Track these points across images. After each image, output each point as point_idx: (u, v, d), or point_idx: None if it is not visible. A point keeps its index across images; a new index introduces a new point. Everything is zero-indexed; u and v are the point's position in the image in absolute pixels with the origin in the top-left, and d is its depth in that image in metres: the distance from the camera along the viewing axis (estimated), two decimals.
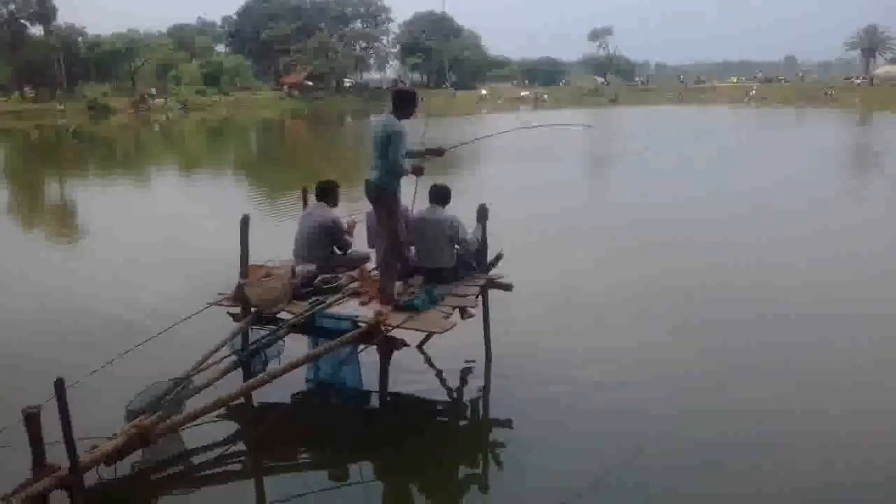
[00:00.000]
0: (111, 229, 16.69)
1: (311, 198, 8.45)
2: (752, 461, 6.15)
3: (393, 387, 7.32)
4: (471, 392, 7.83)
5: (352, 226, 8.11)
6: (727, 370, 7.94)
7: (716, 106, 75.70)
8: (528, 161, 28.46)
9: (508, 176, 24.39)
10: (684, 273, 11.74)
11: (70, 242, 16.23)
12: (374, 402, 7.13)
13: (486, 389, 7.89)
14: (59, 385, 4.85)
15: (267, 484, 6.22)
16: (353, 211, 8.40)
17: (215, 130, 59.01)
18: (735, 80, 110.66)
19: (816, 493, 5.76)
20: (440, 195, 7.67)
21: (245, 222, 7.08)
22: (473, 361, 8.10)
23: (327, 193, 8.09)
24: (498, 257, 7.94)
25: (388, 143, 6.75)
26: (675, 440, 6.50)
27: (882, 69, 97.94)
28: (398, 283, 7.41)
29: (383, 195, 6.98)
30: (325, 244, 7.84)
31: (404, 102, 6.97)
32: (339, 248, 7.95)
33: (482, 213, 7.78)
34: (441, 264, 7.56)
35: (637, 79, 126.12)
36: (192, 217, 17.56)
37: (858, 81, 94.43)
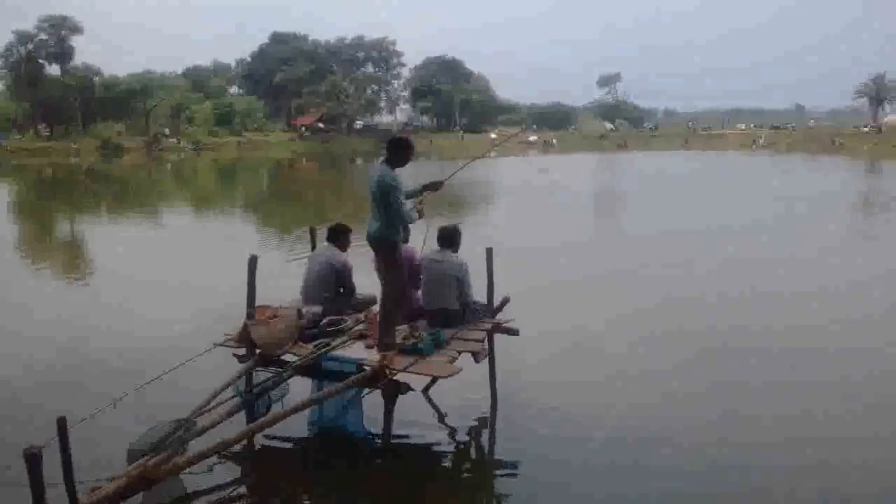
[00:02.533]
0: (119, 267, 16.70)
1: (321, 238, 8.50)
2: None
3: (397, 431, 7.28)
4: (476, 438, 7.76)
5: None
6: (742, 425, 7.79)
7: (724, 152, 75.97)
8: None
9: (520, 216, 24.48)
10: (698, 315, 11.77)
11: (78, 280, 16.31)
12: (378, 446, 7.07)
13: (491, 436, 7.83)
14: (62, 424, 4.84)
15: None
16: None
17: (226, 170, 59.61)
18: (743, 127, 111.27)
19: None
20: (448, 238, 7.69)
21: (253, 263, 7.10)
22: (479, 407, 8.02)
23: (338, 236, 8.14)
24: (504, 302, 7.92)
25: (386, 197, 6.70)
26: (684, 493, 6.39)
27: (890, 118, 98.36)
28: (404, 327, 7.38)
29: (382, 246, 6.95)
30: (331, 286, 7.85)
31: (398, 151, 6.89)
32: (346, 292, 7.94)
33: (488, 257, 7.77)
34: (447, 306, 7.54)
35: (646, 124, 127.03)
36: (202, 256, 17.60)
37: (867, 130, 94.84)
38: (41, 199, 37.58)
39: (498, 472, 7.12)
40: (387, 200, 6.73)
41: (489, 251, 7.79)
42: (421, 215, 7.24)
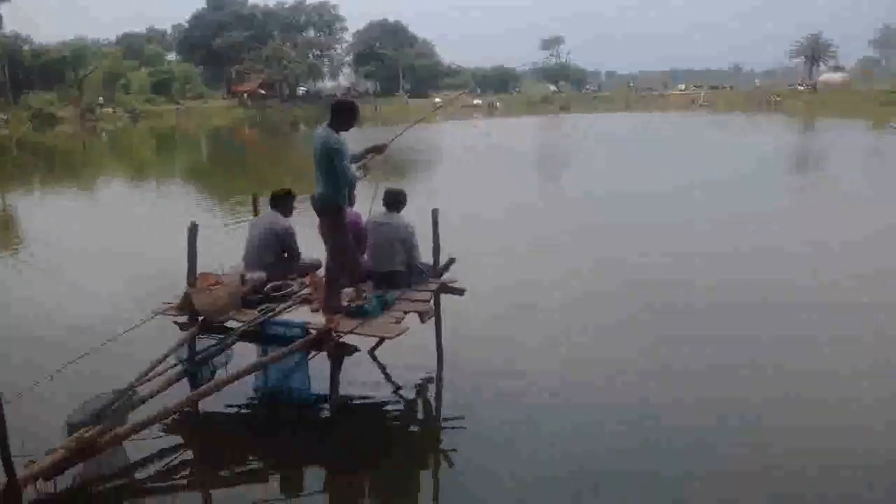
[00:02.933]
0: (55, 239, 16.21)
1: (264, 205, 8.35)
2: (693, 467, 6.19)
3: (344, 393, 7.27)
4: (423, 397, 7.78)
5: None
6: (681, 374, 7.99)
7: (665, 112, 77.00)
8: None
9: (465, 179, 24.52)
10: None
11: (11, 253, 15.75)
12: (325, 409, 7.04)
13: (438, 394, 7.85)
14: None
15: (215, 495, 6.10)
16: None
17: (165, 139, 58.20)
18: (683, 88, 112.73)
19: None
20: (394, 200, 7.64)
21: (193, 230, 6.94)
22: (426, 367, 8.04)
23: (281, 201, 7.99)
24: (449, 262, 7.91)
25: (330, 161, 6.60)
26: (628, 447, 6.47)
27: (824, 76, 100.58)
28: (349, 290, 7.32)
29: (327, 210, 6.86)
30: (274, 252, 7.74)
31: (342, 114, 6.77)
32: (290, 257, 7.83)
33: (434, 218, 7.74)
34: (394, 268, 7.51)
35: (588, 87, 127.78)
36: (141, 226, 17.18)
37: (802, 88, 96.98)
38: None
39: (445, 430, 7.15)
40: (331, 164, 6.62)
41: (435, 212, 7.76)
42: (366, 175, 7.18)
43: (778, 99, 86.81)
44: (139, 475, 6.11)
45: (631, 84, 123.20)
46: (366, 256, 7.73)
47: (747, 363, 8.18)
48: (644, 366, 8.16)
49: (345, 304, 6.98)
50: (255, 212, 8.39)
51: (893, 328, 9.43)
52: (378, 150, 7.37)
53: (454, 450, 6.68)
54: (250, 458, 6.50)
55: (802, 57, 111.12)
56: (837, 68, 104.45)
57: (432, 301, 7.69)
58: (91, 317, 9.75)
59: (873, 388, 7.57)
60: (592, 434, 6.69)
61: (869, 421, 6.90)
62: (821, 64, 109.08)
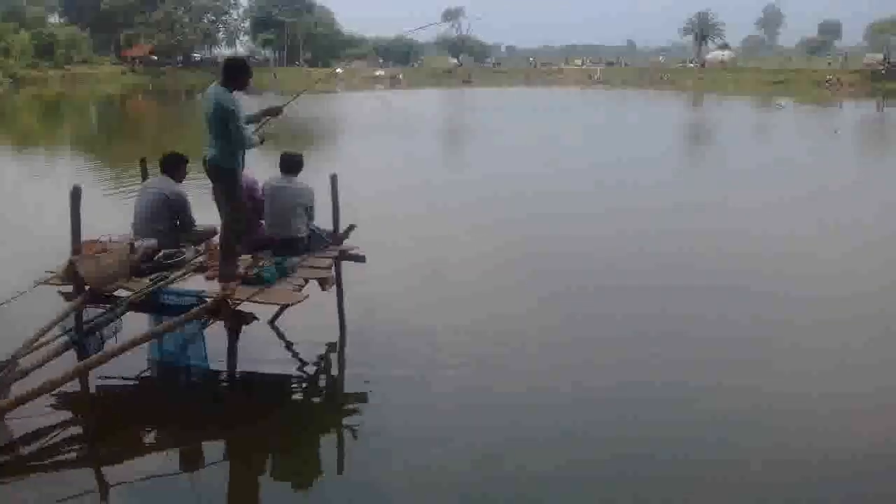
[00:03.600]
0: None
1: (154, 172, 8.00)
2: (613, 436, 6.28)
3: (243, 365, 7.05)
4: (325, 368, 7.69)
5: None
6: (590, 346, 8.12)
7: (563, 87, 78.36)
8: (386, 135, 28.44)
9: (368, 151, 24.32)
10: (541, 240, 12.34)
11: None
12: (223, 381, 6.85)
13: (340, 365, 7.80)
14: None
15: (106, 471, 5.81)
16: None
17: (50, 106, 55.07)
18: (580, 63, 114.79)
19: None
20: (292, 164, 7.47)
21: (76, 194, 6.61)
22: (328, 336, 7.95)
23: (172, 166, 7.62)
24: (350, 228, 7.80)
25: (225, 121, 6.32)
26: (537, 424, 6.47)
27: (712, 54, 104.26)
28: (247, 257, 7.14)
29: (221, 174, 6.59)
30: (166, 218, 7.40)
31: (235, 72, 6.50)
32: (183, 225, 7.53)
33: (333, 184, 7.62)
34: (293, 234, 7.36)
35: (488, 60, 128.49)
36: (25, 196, 16.29)
37: (692, 65, 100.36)
38: None
39: (347, 402, 7.03)
40: (226, 125, 6.37)
41: (334, 178, 7.63)
42: (263, 141, 6.96)
43: (669, 76, 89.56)
44: (23, 451, 5.81)
45: (531, 59, 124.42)
46: (263, 223, 7.55)
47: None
48: (551, 335, 8.31)
49: (241, 271, 6.78)
50: (144, 177, 8.03)
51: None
52: (274, 112, 7.10)
53: (356, 425, 6.55)
54: (144, 432, 6.27)
55: (692, 35, 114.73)
56: (724, 46, 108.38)
57: (333, 268, 7.58)
58: None
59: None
60: (498, 411, 6.62)
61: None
62: (709, 42, 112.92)
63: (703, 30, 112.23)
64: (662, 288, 9.93)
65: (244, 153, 6.66)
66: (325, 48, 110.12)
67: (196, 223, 7.68)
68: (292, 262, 7.00)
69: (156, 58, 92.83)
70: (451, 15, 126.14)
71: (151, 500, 5.36)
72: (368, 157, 22.90)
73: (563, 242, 12.29)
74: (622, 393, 6.93)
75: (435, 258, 11.24)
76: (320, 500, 5.46)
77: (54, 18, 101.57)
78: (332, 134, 31.19)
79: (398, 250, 11.28)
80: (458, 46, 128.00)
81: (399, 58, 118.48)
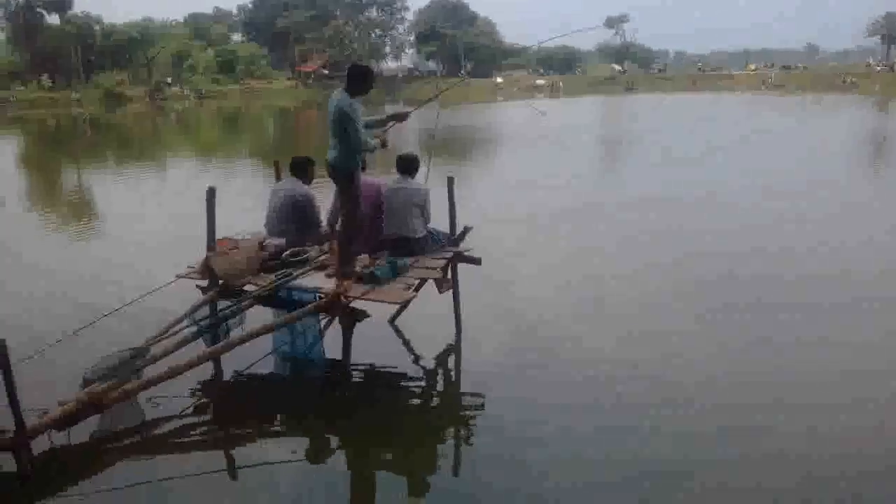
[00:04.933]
0: (119, 212, 16.91)
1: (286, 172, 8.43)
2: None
3: (363, 360, 7.36)
4: (442, 369, 7.79)
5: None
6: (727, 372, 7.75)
7: (733, 94, 74.90)
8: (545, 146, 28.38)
9: (526, 162, 24.41)
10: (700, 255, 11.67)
11: (78, 224, 16.28)
12: (341, 376, 7.11)
13: (457, 366, 7.86)
14: (1, 348, 4.87)
15: (228, 454, 6.20)
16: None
17: (230, 119, 59.15)
18: (753, 68, 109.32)
19: None
20: (407, 165, 7.65)
21: (211, 195, 7.08)
22: (446, 337, 8.06)
23: (301, 168, 8.04)
24: (465, 230, 7.87)
25: (343, 124, 6.60)
26: (650, 431, 6.30)
27: None
28: (365, 256, 7.37)
29: (339, 174, 6.86)
30: (294, 218, 7.80)
31: (359, 78, 6.76)
32: (308, 224, 7.89)
33: (450, 186, 7.71)
34: (409, 233, 7.53)
35: (654, 66, 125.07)
36: (199, 200, 17.58)
37: (879, 68, 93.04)
38: (45, 150, 37.47)
39: (464, 404, 7.10)
40: (344, 128, 6.64)
41: (450, 181, 7.72)
42: (384, 145, 7.18)
43: (852, 80, 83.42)
44: (155, 432, 6.30)
45: (699, 64, 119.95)
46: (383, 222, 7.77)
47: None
48: (688, 350, 7.91)
49: (358, 269, 7.01)
50: (278, 178, 8.48)
51: None
52: (400, 117, 7.43)
53: (471, 420, 6.65)
54: (264, 420, 6.62)
55: (879, 37, 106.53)
56: None
57: (448, 270, 7.68)
58: (128, 281, 9.99)
59: None
60: (624, 424, 6.38)
61: None
62: None
63: (890, 31, 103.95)
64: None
65: (363, 155, 6.91)
66: (486, 59, 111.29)
67: (322, 223, 8.02)
68: (404, 262, 7.15)
69: (327, 72, 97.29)
70: (613, 22, 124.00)
71: (272, 485, 5.64)
72: (512, 168, 22.97)
73: (700, 250, 11.74)
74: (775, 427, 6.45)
75: (570, 269, 11.09)
76: (434, 499, 5.50)
77: (236, 37, 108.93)
78: (482, 144, 31.52)
79: (529, 259, 11.26)
80: (622, 53, 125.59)
81: (560, 67, 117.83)
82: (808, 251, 11.66)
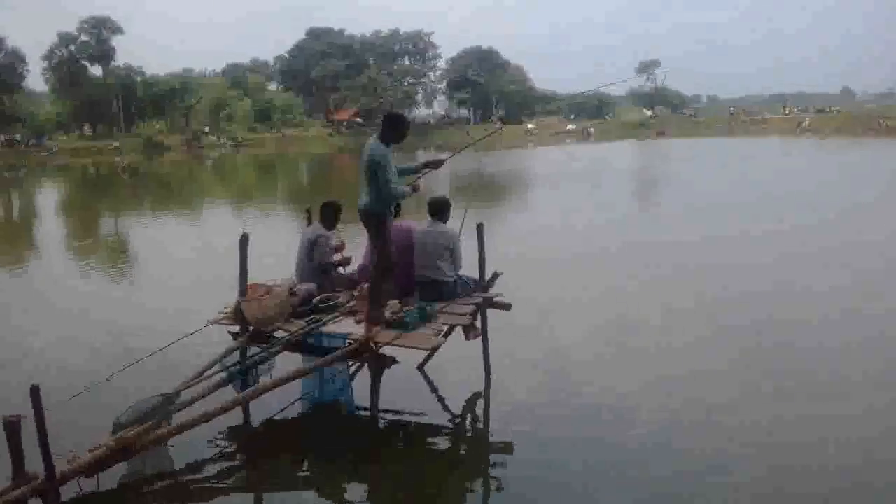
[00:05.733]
0: (155, 257, 17.28)
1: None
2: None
3: (392, 406, 7.32)
4: (471, 415, 7.71)
5: (339, 246, 8.18)
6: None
7: (767, 137, 74.43)
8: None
9: (558, 205, 24.55)
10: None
11: (114, 268, 16.56)
12: (369, 422, 7.08)
13: (486, 411, 7.78)
14: (35, 393, 4.93)
15: (256, 501, 6.19)
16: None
17: (265, 166, 60.21)
18: (787, 111, 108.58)
19: None
20: (438, 208, 7.70)
21: (244, 241, 7.17)
22: (475, 383, 7.99)
23: (324, 213, 8.19)
24: (494, 276, 7.87)
25: (375, 171, 6.70)
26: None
27: None
28: (394, 302, 7.38)
29: (370, 219, 6.95)
30: (309, 257, 7.92)
31: (392, 126, 6.88)
32: (321, 265, 7.95)
33: (479, 232, 7.73)
34: (439, 276, 7.56)
35: (686, 111, 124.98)
36: (232, 245, 17.82)
37: None
38: (86, 196, 38.43)
39: (492, 451, 7.04)
40: (375, 175, 6.73)
41: (480, 227, 7.74)
42: (416, 190, 7.22)
43: (888, 123, 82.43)
44: (184, 478, 6.30)
45: (732, 109, 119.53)
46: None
47: None
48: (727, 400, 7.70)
49: (388, 315, 7.02)
50: (309, 223, 8.57)
51: None
52: (435, 164, 7.48)
53: (500, 469, 6.57)
54: (292, 466, 6.60)
55: None
56: None
57: (478, 316, 7.66)
58: (161, 326, 10.08)
59: None
60: (658, 477, 6.22)
61: None
62: None
63: None
64: None
65: (394, 201, 6.98)
66: (518, 105, 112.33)
67: (337, 265, 8.12)
68: (433, 308, 7.15)
69: (360, 120, 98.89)
70: (645, 67, 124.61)
71: None
72: (545, 211, 22.98)
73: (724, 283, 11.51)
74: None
75: (600, 312, 10.99)
76: None
77: (272, 86, 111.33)
78: (514, 187, 31.65)
79: (558, 303, 11.19)
80: (654, 98, 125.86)
81: (591, 112, 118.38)
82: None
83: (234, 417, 7.13)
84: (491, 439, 7.29)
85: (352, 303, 7.60)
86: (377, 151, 6.74)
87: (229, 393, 6.81)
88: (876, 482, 6.01)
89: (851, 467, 6.22)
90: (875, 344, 9.14)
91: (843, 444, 6.62)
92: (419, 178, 7.50)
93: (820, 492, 5.88)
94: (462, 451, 7.16)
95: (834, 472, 6.17)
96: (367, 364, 6.83)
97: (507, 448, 6.90)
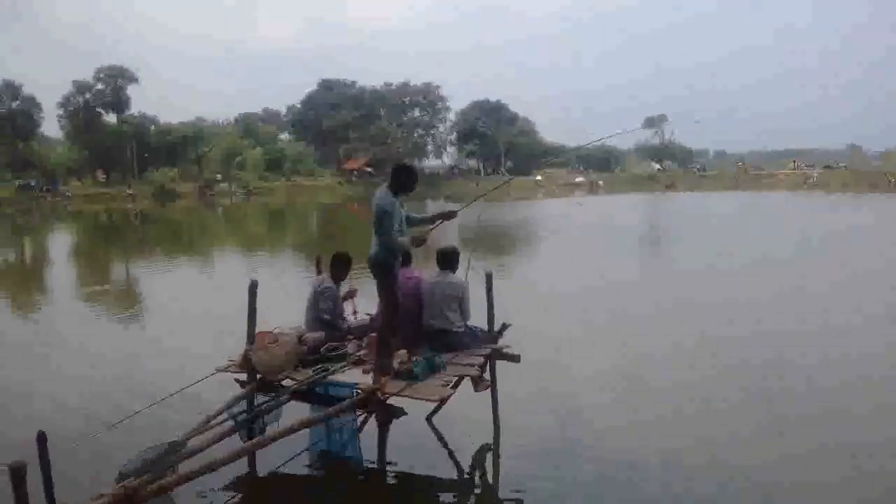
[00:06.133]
0: (163, 303, 17.29)
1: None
2: None
3: (398, 460, 7.24)
4: (479, 468, 7.64)
5: (349, 295, 8.21)
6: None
7: (775, 192, 74.67)
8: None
9: (565, 258, 24.54)
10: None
11: (124, 314, 16.57)
12: (377, 476, 7.01)
13: (496, 467, 7.68)
14: (41, 439, 4.91)
15: None
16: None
17: (276, 214, 60.49)
18: (793, 166, 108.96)
19: None
20: (446, 259, 7.73)
21: (253, 288, 7.18)
22: (483, 436, 7.91)
23: (333, 264, 8.21)
24: (504, 327, 7.86)
25: (381, 219, 6.77)
26: None
27: None
28: (403, 352, 7.36)
29: (377, 269, 6.97)
30: (316, 309, 7.94)
31: (401, 177, 6.96)
32: (325, 315, 7.93)
33: (488, 282, 7.74)
34: (447, 326, 7.56)
35: (693, 165, 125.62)
36: (240, 292, 17.87)
37: None
38: (97, 242, 38.68)
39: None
40: (381, 224, 6.78)
41: (489, 276, 7.76)
42: (422, 243, 7.18)
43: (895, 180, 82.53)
44: None
45: (739, 163, 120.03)
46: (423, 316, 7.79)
47: None
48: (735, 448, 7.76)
49: (396, 365, 7.00)
50: (318, 272, 8.60)
51: None
52: (448, 216, 7.44)
53: None
54: None
55: None
56: None
57: (487, 368, 7.62)
58: (168, 373, 10.07)
59: None
60: None
61: None
62: None
63: None
64: None
65: (396, 252, 6.99)
66: (526, 157, 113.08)
67: (344, 316, 8.14)
68: (442, 359, 7.12)
69: (370, 169, 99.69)
70: (652, 122, 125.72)
71: None
72: (553, 264, 22.99)
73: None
74: None
75: (609, 364, 10.91)
76: None
77: (284, 135, 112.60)
78: (525, 239, 31.73)
79: (565, 355, 11.13)
80: (661, 152, 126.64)
81: (600, 165, 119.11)
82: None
83: (241, 467, 7.08)
84: (500, 496, 7.18)
85: (361, 352, 7.58)
86: (384, 201, 6.82)
87: (236, 442, 6.77)
88: None
89: None
90: None
91: None
92: (432, 229, 7.49)
93: None
94: None
95: None
96: (374, 415, 6.77)
97: (518, 502, 6.81)
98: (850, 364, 10.67)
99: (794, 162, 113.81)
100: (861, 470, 7.21)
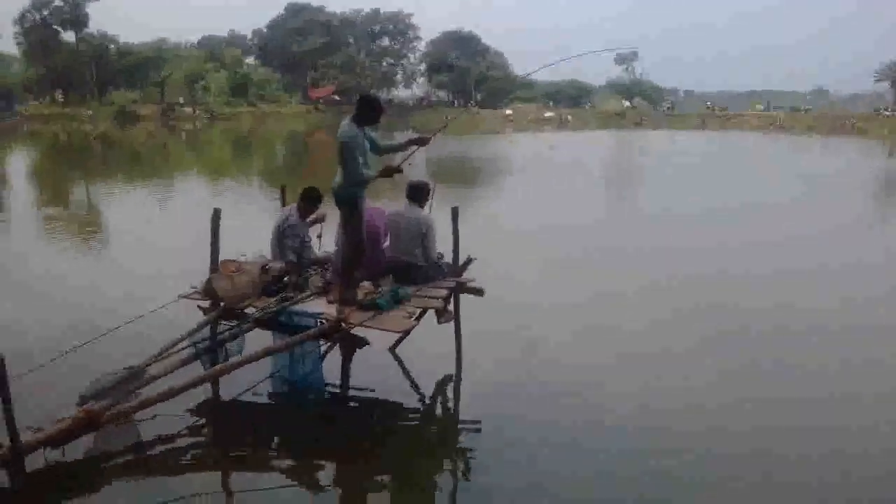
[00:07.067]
0: (124, 229, 17.06)
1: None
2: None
3: (362, 387, 7.33)
4: (441, 397, 7.79)
5: (317, 220, 8.13)
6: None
7: (741, 132, 75.16)
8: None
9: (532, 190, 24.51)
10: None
11: (81, 240, 16.33)
12: (340, 403, 7.09)
13: (456, 396, 7.83)
14: None
15: (224, 478, 6.17)
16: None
17: (240, 140, 59.50)
18: (760, 108, 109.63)
19: None
20: (416, 193, 7.69)
21: (216, 216, 7.11)
22: (446, 366, 8.02)
23: (303, 198, 8.09)
24: (468, 261, 7.88)
25: (343, 154, 6.70)
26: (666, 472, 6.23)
27: None
28: (367, 283, 7.37)
29: (342, 203, 6.93)
30: (284, 244, 7.88)
31: (366, 108, 6.86)
32: (290, 253, 7.88)
33: (454, 217, 7.73)
34: (412, 259, 7.57)
35: (663, 104, 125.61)
36: (203, 219, 17.68)
37: (888, 113, 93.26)
38: (55, 164, 37.78)
39: (462, 431, 7.13)
40: (343, 154, 6.71)
41: (455, 210, 7.74)
42: (396, 172, 7.10)
43: (858, 124, 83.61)
44: (150, 453, 6.26)
45: (709, 104, 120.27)
46: (387, 248, 7.79)
47: None
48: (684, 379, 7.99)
49: (360, 296, 7.02)
50: (283, 203, 8.53)
51: None
52: (421, 142, 7.28)
53: (469, 451, 6.62)
54: (259, 445, 6.61)
55: (889, 81, 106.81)
56: None
57: (451, 301, 7.68)
58: (130, 299, 9.99)
59: None
60: (616, 455, 6.41)
61: None
62: None
63: None
64: None
65: (361, 184, 6.92)
66: (496, 91, 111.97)
67: (310, 249, 8.09)
68: (406, 291, 7.15)
69: (338, 98, 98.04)
70: (624, 59, 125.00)
71: None
72: (518, 196, 23.00)
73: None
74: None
75: (573, 298, 11.06)
76: None
77: (250, 60, 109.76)
78: (491, 173, 31.67)
79: (529, 288, 11.25)
80: (631, 90, 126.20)
81: (569, 101, 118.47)
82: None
83: (203, 394, 7.10)
84: (460, 421, 7.35)
85: (323, 283, 7.58)
86: (347, 134, 6.75)
87: (198, 369, 6.79)
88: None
89: None
90: None
91: None
92: (406, 158, 7.39)
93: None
94: (431, 433, 7.22)
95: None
96: (338, 344, 6.81)
97: (474, 430, 6.96)
98: (799, 309, 10.96)
99: (768, 102, 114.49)
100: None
